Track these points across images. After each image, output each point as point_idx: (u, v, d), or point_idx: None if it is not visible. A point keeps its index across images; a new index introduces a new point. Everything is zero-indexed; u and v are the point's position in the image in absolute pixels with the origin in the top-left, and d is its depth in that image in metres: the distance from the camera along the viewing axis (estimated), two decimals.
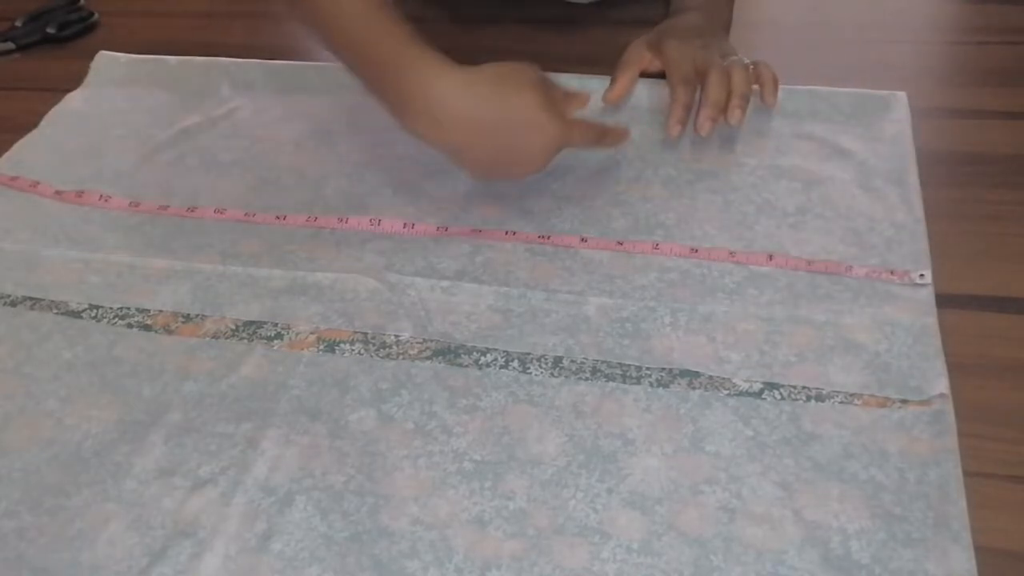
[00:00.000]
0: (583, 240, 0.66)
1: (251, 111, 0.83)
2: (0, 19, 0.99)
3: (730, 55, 0.74)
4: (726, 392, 0.56)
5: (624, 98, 0.77)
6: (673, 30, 0.77)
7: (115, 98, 0.86)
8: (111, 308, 0.64)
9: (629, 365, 0.58)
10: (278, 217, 0.71)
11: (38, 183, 0.75)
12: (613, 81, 0.76)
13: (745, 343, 0.58)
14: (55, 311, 0.64)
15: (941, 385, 0.54)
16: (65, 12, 1.00)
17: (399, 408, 0.56)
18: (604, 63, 0.79)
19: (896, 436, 0.52)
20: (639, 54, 0.78)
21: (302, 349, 0.60)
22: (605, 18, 0.93)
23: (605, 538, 0.49)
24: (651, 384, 0.56)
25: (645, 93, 0.79)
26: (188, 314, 0.63)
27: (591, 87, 0.80)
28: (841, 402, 0.55)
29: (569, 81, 0.80)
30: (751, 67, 0.73)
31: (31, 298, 0.65)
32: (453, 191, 0.72)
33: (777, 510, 0.49)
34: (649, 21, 0.80)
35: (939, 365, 0.56)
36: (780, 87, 0.76)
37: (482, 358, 0.59)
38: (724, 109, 0.70)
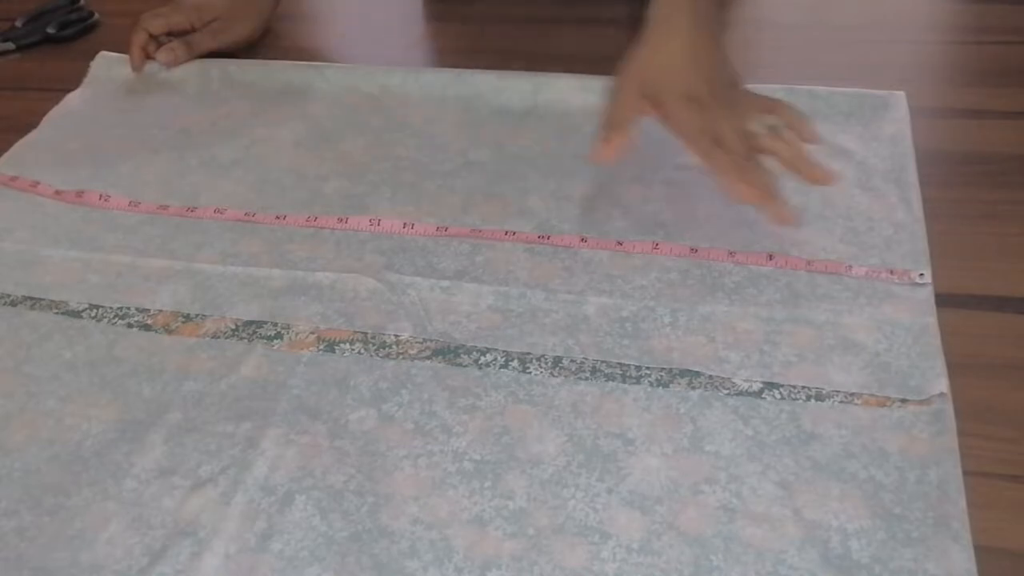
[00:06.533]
0: (583, 240, 0.66)
1: (251, 111, 0.83)
2: (0, 19, 0.99)
3: (749, 110, 0.63)
4: (726, 392, 0.56)
5: (617, 161, 0.63)
6: (669, 72, 0.62)
7: (115, 98, 0.86)
8: (111, 308, 0.64)
9: (629, 365, 0.58)
10: (278, 217, 0.71)
11: (38, 183, 0.76)
12: (604, 140, 0.63)
13: (745, 343, 0.58)
14: (55, 311, 0.64)
15: (941, 385, 0.54)
16: (65, 12, 1.00)
17: (399, 408, 0.56)
18: (593, 62, 0.78)
19: (896, 436, 0.52)
20: (632, 105, 0.63)
21: (302, 349, 0.60)
22: (598, 17, 0.93)
23: (605, 538, 0.49)
24: (651, 384, 0.56)
25: None
26: (188, 314, 0.63)
27: (591, 87, 0.80)
28: (841, 402, 0.55)
29: (568, 81, 0.81)
30: (780, 119, 0.64)
31: (31, 298, 0.65)
32: (453, 191, 0.72)
33: (777, 510, 0.49)
34: (639, 20, 0.80)
35: (939, 365, 0.56)
36: (779, 87, 0.75)
37: (482, 358, 0.59)
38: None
